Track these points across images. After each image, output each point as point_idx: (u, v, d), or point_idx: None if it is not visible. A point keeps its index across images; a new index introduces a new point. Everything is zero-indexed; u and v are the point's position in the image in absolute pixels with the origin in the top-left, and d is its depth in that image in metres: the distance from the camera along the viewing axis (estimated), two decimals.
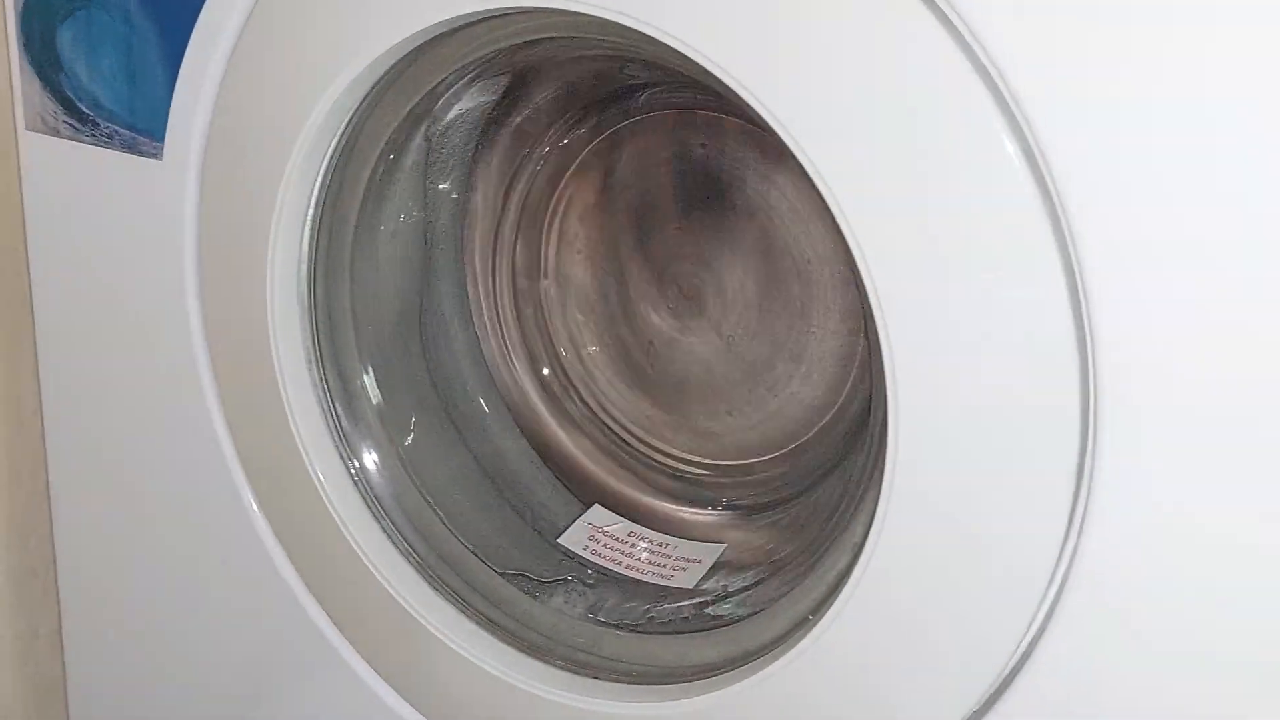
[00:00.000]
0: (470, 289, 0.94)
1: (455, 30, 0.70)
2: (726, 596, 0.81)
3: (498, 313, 0.95)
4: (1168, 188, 0.51)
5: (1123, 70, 0.50)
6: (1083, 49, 0.51)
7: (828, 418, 0.87)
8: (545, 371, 0.96)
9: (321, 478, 0.81)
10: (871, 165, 0.57)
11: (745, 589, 0.81)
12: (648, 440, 0.95)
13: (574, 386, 0.96)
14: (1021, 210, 0.54)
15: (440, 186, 0.88)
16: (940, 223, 0.56)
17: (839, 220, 0.58)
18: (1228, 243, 0.50)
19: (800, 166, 0.58)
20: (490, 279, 0.94)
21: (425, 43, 0.71)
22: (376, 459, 0.85)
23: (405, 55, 0.71)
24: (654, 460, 0.94)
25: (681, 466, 0.94)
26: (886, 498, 0.61)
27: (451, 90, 0.81)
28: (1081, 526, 0.56)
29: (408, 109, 0.77)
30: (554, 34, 0.71)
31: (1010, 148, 0.53)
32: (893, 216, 0.57)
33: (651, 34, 0.60)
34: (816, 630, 0.66)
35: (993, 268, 0.55)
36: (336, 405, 0.83)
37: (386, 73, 0.73)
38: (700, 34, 0.59)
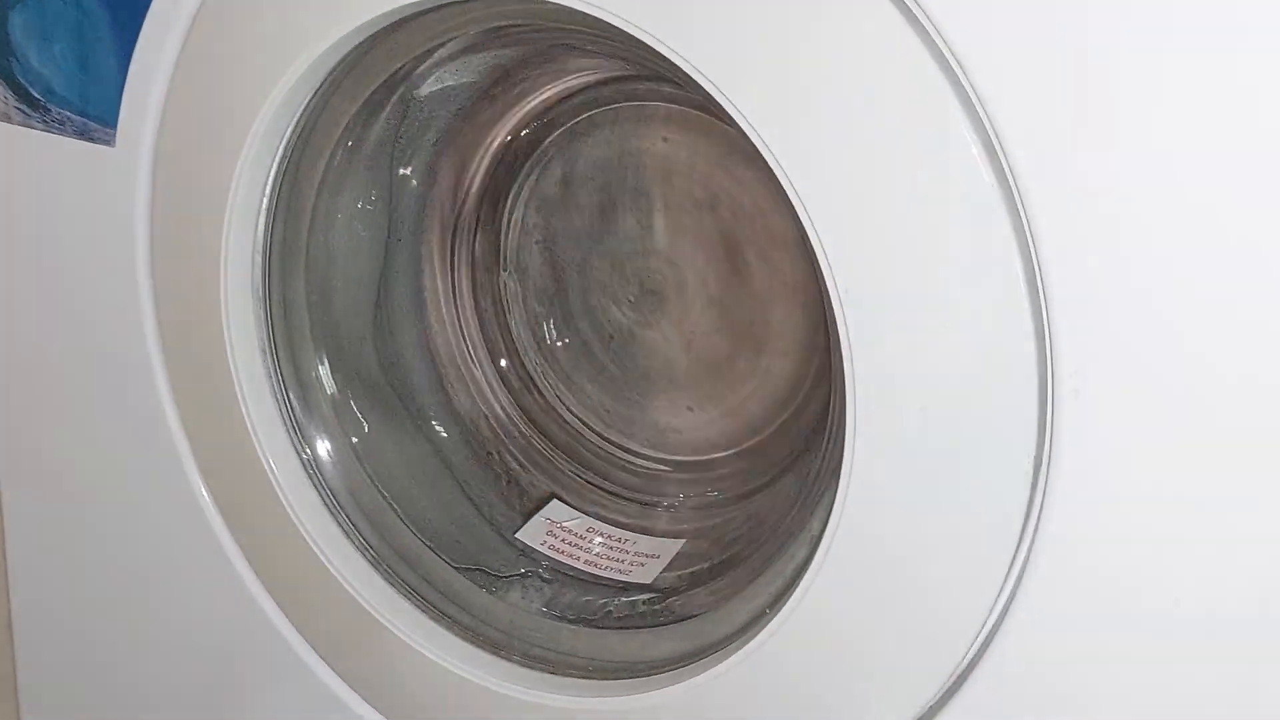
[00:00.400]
0: (428, 280, 0.93)
1: (413, 16, 0.69)
2: (684, 591, 0.80)
3: (456, 304, 0.94)
4: (1129, 187, 0.51)
5: (1085, 68, 0.50)
6: (1046, 47, 0.51)
7: (788, 413, 0.87)
8: (503, 363, 0.96)
9: (274, 469, 0.80)
10: (833, 161, 0.56)
11: (703, 584, 0.81)
12: (607, 435, 0.94)
13: (532, 380, 0.96)
14: (982, 208, 0.53)
15: (401, 175, 0.87)
16: (902, 220, 0.56)
17: (800, 214, 0.57)
18: (1188, 241, 0.50)
19: (764, 161, 0.58)
20: (449, 270, 0.93)
21: (383, 29, 0.70)
22: (331, 451, 0.84)
23: (361, 41, 0.70)
24: (613, 455, 0.94)
25: (641, 462, 0.93)
26: (844, 491, 0.60)
27: (409, 77, 0.80)
28: (1038, 521, 0.56)
29: (365, 96, 0.76)
30: (513, 20, 0.70)
31: (973, 145, 0.53)
32: (854, 212, 0.56)
33: (619, 25, 0.59)
34: (774, 624, 0.65)
35: (953, 263, 0.55)
36: (290, 395, 0.81)
37: (343, 59, 0.72)
38: (665, 26, 0.58)
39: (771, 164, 0.57)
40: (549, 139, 0.89)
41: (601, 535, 0.87)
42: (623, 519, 0.90)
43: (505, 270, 0.94)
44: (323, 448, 0.83)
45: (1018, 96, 0.52)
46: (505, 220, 0.93)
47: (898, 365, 0.58)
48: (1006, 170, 0.52)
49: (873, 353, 0.58)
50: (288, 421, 0.81)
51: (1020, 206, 0.52)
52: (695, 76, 0.58)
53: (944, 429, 0.57)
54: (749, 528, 0.84)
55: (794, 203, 0.57)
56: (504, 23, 0.71)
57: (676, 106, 0.84)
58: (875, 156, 0.55)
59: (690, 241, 0.87)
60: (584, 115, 0.87)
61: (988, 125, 0.52)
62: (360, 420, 0.86)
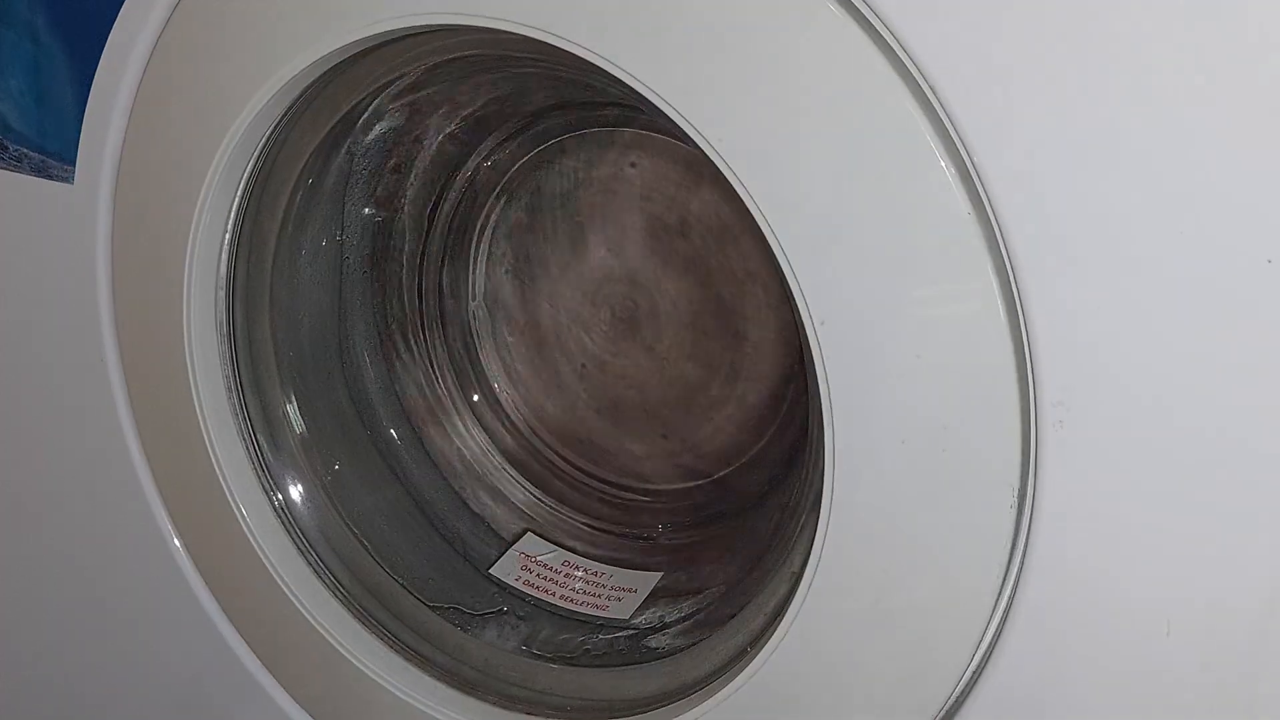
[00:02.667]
0: (395, 313, 0.91)
1: (372, 50, 0.68)
2: (663, 628, 0.79)
3: (425, 337, 0.92)
4: (1111, 213, 0.50)
5: (1062, 90, 0.49)
6: (1020, 70, 0.50)
7: (764, 441, 0.85)
8: (475, 397, 0.94)
9: (243, 510, 0.78)
10: (806, 190, 0.55)
11: (682, 620, 0.79)
12: (580, 465, 0.93)
13: (504, 412, 0.94)
14: (959, 237, 0.52)
15: (364, 211, 0.86)
16: (877, 249, 0.54)
17: (772, 244, 0.56)
18: (1174, 268, 0.49)
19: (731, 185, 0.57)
20: (417, 301, 0.92)
21: (342, 62, 0.68)
22: (301, 490, 0.82)
23: (321, 76, 0.69)
24: (587, 486, 0.93)
25: (616, 492, 0.92)
26: (824, 526, 0.59)
27: (370, 110, 0.78)
28: (1024, 554, 0.55)
29: (326, 130, 0.75)
30: (472, 51, 0.69)
31: (948, 172, 0.52)
32: (828, 242, 0.55)
33: (576, 53, 0.58)
34: (755, 662, 0.64)
35: (930, 293, 0.54)
36: (258, 435, 0.80)
37: (303, 93, 0.71)
38: (629, 55, 0.57)
39: (741, 194, 0.56)
40: (515, 167, 0.88)
41: (578, 569, 0.86)
42: (599, 552, 0.89)
43: (474, 300, 0.93)
44: (293, 487, 0.82)
45: (992, 121, 0.51)
46: (473, 251, 0.91)
47: (876, 398, 0.57)
48: (983, 197, 0.51)
49: (850, 385, 0.57)
50: (256, 461, 0.80)
51: (998, 234, 0.52)
52: (661, 105, 0.57)
53: (925, 462, 0.56)
54: (727, 560, 0.83)
55: (765, 233, 0.56)
56: (463, 54, 0.70)
57: (643, 132, 0.83)
58: (849, 185, 0.54)
59: (661, 268, 0.86)
60: (551, 142, 0.86)
61: (962, 151, 0.51)
62: (330, 458, 0.85)
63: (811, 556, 0.60)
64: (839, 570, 0.60)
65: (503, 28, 0.59)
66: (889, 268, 0.54)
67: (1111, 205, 0.49)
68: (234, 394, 0.79)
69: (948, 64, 0.51)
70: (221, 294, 0.77)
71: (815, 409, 0.58)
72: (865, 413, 0.57)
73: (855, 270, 0.55)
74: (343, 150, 0.80)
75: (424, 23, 0.62)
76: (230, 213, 0.75)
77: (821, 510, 0.59)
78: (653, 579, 0.84)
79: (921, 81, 0.51)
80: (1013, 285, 0.52)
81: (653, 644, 0.78)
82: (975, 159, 0.51)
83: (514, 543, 0.88)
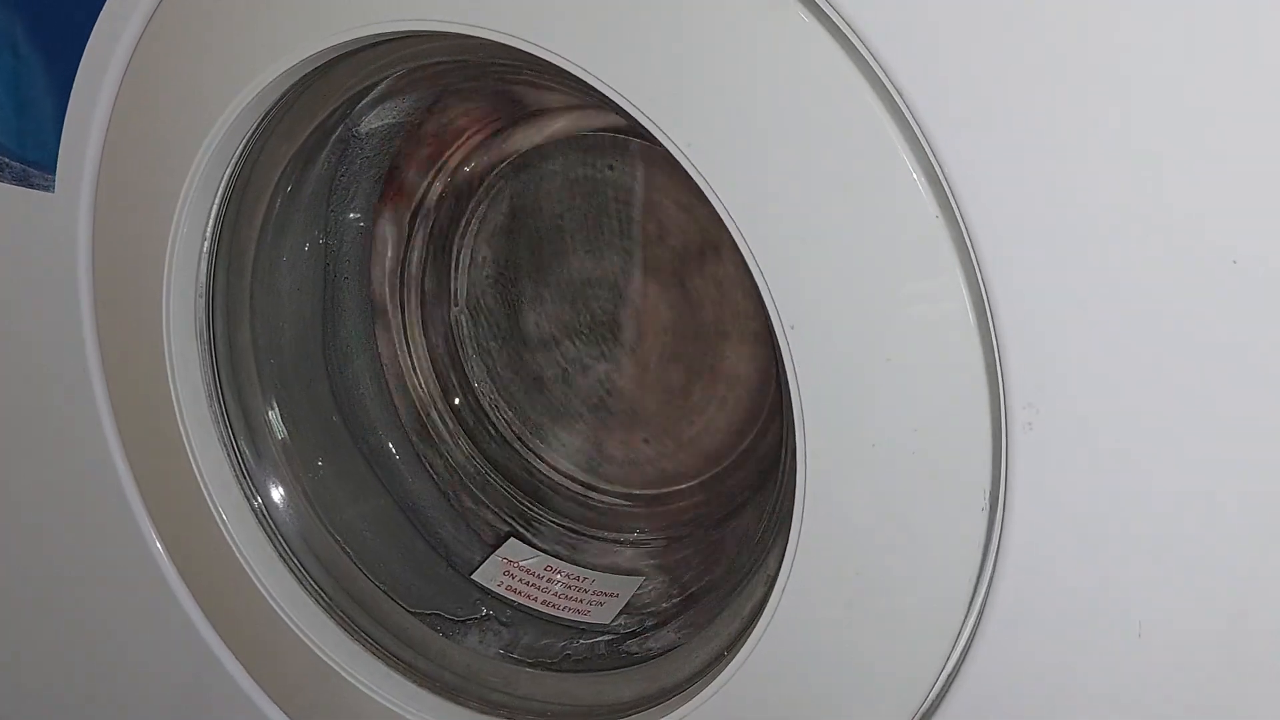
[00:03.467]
0: (377, 318, 0.91)
1: (347, 55, 0.68)
2: (643, 632, 0.79)
3: (407, 343, 0.92)
4: (1079, 214, 0.49)
5: (1028, 90, 0.49)
6: (986, 71, 0.49)
7: (745, 444, 0.85)
8: (457, 401, 0.94)
9: (224, 516, 0.78)
10: (774, 195, 0.55)
11: (662, 624, 0.79)
12: (563, 469, 0.93)
13: (487, 416, 0.94)
14: (927, 239, 0.52)
15: (345, 216, 0.86)
16: (845, 253, 0.54)
17: (742, 249, 0.56)
18: (1143, 268, 0.49)
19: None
20: (398, 308, 0.92)
21: (319, 68, 0.69)
22: (283, 495, 0.82)
23: (298, 81, 0.69)
24: (570, 490, 0.93)
25: (598, 496, 0.92)
26: (798, 528, 0.59)
27: (349, 116, 0.78)
28: (996, 556, 0.55)
29: (304, 136, 0.75)
30: (449, 57, 0.69)
31: (914, 173, 0.52)
32: (796, 246, 0.55)
33: (548, 59, 0.58)
34: (733, 665, 0.64)
35: (898, 296, 0.54)
36: (239, 441, 0.80)
37: (281, 98, 0.71)
38: (599, 61, 0.57)
39: (711, 199, 0.56)
40: (495, 171, 0.88)
41: (560, 574, 0.86)
42: (580, 556, 0.89)
43: (456, 305, 0.93)
44: (274, 493, 0.82)
45: (959, 123, 0.51)
46: (454, 255, 0.91)
47: (846, 401, 0.57)
48: (951, 200, 0.51)
49: (820, 388, 0.57)
50: (237, 467, 0.80)
51: (966, 237, 0.51)
52: (631, 110, 0.57)
53: (896, 465, 0.56)
54: (708, 564, 0.83)
55: (735, 237, 0.56)
56: (439, 59, 0.70)
57: (622, 135, 0.83)
58: (817, 188, 0.54)
59: (641, 271, 0.86)
60: (529, 147, 0.86)
61: (929, 154, 0.51)
62: (312, 464, 0.85)
63: (785, 560, 0.60)
64: (812, 573, 0.60)
65: (475, 34, 0.59)
66: (858, 271, 0.54)
67: (1080, 207, 0.49)
68: (215, 401, 0.79)
69: (914, 66, 0.51)
70: (201, 301, 0.77)
71: (787, 412, 0.58)
72: (836, 416, 0.57)
73: (824, 274, 0.55)
74: (320, 157, 0.80)
75: (394, 29, 0.62)
76: (209, 220, 0.75)
77: (795, 513, 0.59)
78: (634, 583, 0.84)
79: (888, 84, 0.51)
80: (981, 288, 0.52)
81: (632, 648, 0.78)
82: (942, 161, 0.51)
83: (496, 548, 0.88)
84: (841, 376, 0.56)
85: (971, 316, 0.53)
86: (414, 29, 0.62)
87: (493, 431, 0.94)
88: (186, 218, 0.73)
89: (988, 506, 0.55)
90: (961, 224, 0.51)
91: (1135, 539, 0.53)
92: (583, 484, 0.93)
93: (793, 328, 0.56)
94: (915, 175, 0.52)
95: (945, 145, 0.51)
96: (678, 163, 0.57)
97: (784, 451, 0.68)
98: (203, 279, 0.76)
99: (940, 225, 0.52)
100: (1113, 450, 0.52)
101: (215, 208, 0.74)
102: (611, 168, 0.84)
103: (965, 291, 0.52)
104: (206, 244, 0.75)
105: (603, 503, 0.92)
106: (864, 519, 0.58)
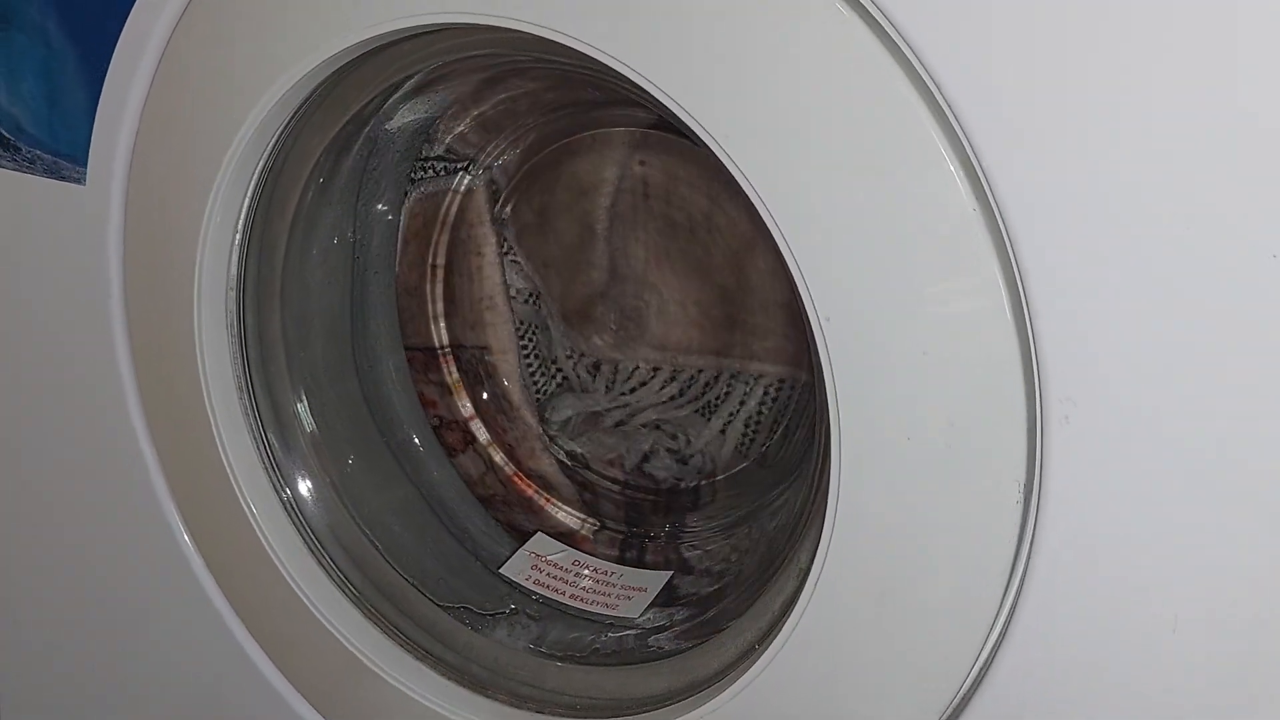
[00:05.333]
0: (404, 312, 0.91)
1: (381, 48, 0.68)
2: (672, 626, 0.79)
3: (435, 337, 0.92)
4: (1118, 204, 0.49)
5: (1063, 77, 0.49)
6: (1021, 58, 0.49)
7: (775, 438, 0.85)
8: (485, 397, 0.94)
9: (253, 508, 0.78)
10: (810, 187, 0.55)
11: (693, 619, 0.79)
12: (591, 464, 0.93)
13: (515, 410, 0.94)
14: (964, 230, 0.52)
15: (376, 208, 0.86)
16: (882, 244, 0.54)
17: (779, 241, 0.56)
18: (1182, 259, 0.49)
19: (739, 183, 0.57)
20: (428, 301, 0.92)
21: (351, 62, 0.69)
22: (311, 488, 0.82)
23: (331, 74, 0.69)
24: (598, 486, 0.92)
25: (626, 491, 0.92)
26: (831, 522, 0.59)
27: (382, 109, 0.79)
28: (1030, 550, 0.55)
29: (337, 128, 0.75)
30: (483, 51, 0.69)
31: (951, 164, 0.52)
32: (833, 238, 0.55)
33: (587, 52, 0.58)
34: (763, 659, 0.64)
35: (936, 288, 0.54)
36: (268, 433, 0.80)
37: (313, 92, 0.71)
38: (636, 54, 0.57)
39: (748, 190, 0.56)
40: (526, 167, 0.88)
41: (588, 568, 0.86)
42: (608, 551, 0.89)
43: (483, 300, 0.93)
44: (303, 486, 0.82)
45: (995, 111, 0.50)
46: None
47: (881, 394, 0.56)
48: (987, 190, 0.51)
49: (856, 381, 0.56)
50: (266, 459, 0.80)
51: (1003, 228, 0.51)
52: (666, 102, 0.57)
53: (931, 458, 0.56)
54: (737, 559, 0.83)
55: (772, 230, 0.56)
56: (473, 53, 0.70)
57: (652, 131, 0.83)
58: (853, 181, 0.54)
59: (670, 265, 0.86)
60: (560, 142, 0.86)
61: (967, 147, 0.51)
62: (340, 457, 0.85)
63: (818, 553, 0.60)
64: (845, 566, 0.60)
65: (514, 27, 0.59)
66: (895, 264, 0.54)
67: (1118, 200, 0.49)
68: (245, 393, 0.79)
69: (953, 60, 0.51)
70: (232, 293, 0.77)
71: (821, 405, 0.58)
72: (871, 409, 0.57)
73: (861, 267, 0.55)
74: (352, 151, 0.81)
75: (433, 22, 0.62)
76: (241, 212, 0.75)
77: (828, 506, 0.59)
78: (662, 578, 0.84)
79: (926, 78, 0.51)
80: (1018, 280, 0.51)
81: (663, 642, 0.77)
82: (980, 154, 0.51)
83: (524, 542, 0.88)
84: (877, 369, 0.56)
85: (1008, 309, 0.52)
86: (450, 23, 0.62)
87: (520, 425, 0.94)
88: (219, 210, 0.74)
89: (1023, 500, 0.54)
90: (999, 217, 0.51)
91: (1172, 533, 0.53)
92: (609, 478, 0.92)
93: (828, 319, 0.56)
94: (952, 168, 0.52)
95: (983, 137, 0.51)
96: (710, 158, 0.57)
97: (816, 445, 0.67)
98: (234, 271, 0.76)
99: (977, 218, 0.52)
100: (1150, 444, 0.52)
101: (247, 200, 0.75)
102: (643, 163, 0.84)
103: (1002, 284, 0.52)
104: (238, 236, 0.76)
105: (630, 497, 0.92)
106: (898, 512, 0.58)
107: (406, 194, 0.87)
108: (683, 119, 0.56)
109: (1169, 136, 0.48)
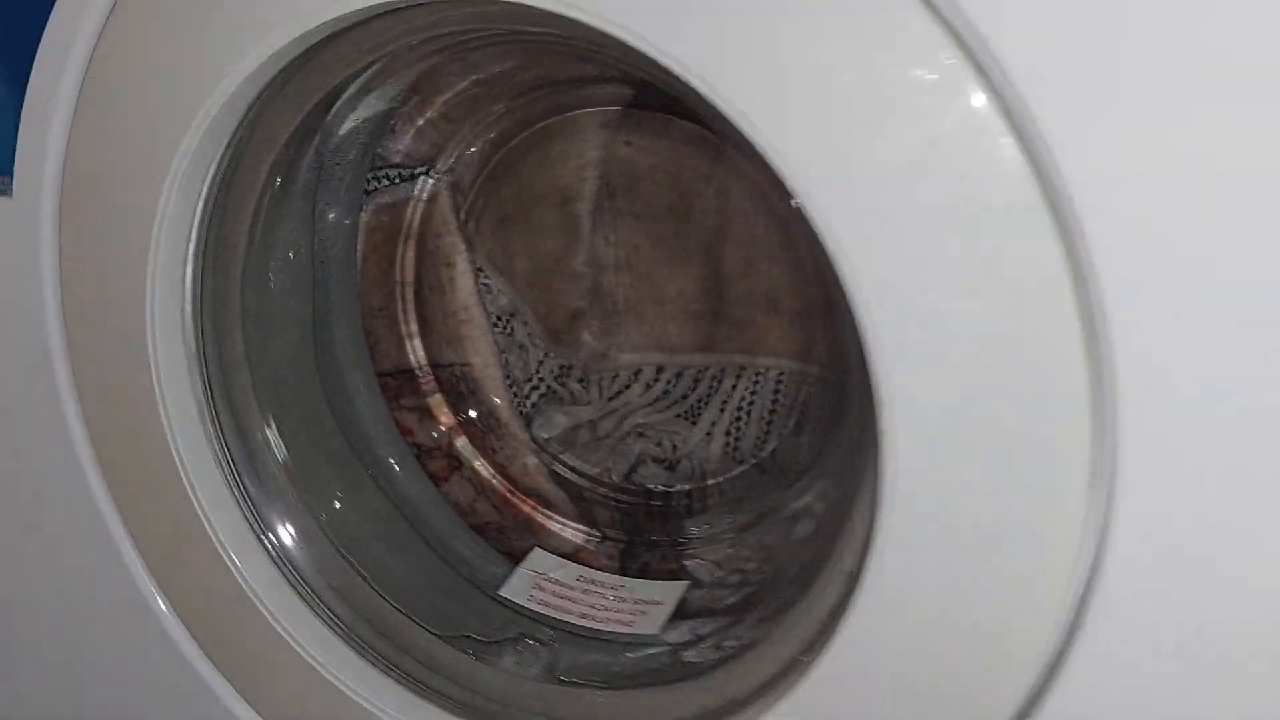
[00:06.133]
0: (372, 335, 0.85)
1: (341, 32, 0.62)
2: (700, 640, 0.74)
3: (411, 357, 0.86)
4: (1190, 187, 0.45)
5: (1131, 53, 0.45)
6: (1087, 34, 0.45)
7: (786, 431, 0.80)
8: (472, 415, 0.88)
9: (226, 545, 0.72)
10: (855, 174, 0.50)
11: (718, 631, 0.74)
12: (584, 470, 0.87)
13: (498, 421, 0.88)
14: (1024, 216, 0.48)
15: (331, 216, 0.79)
16: (933, 234, 0.49)
17: (815, 220, 0.51)
18: (1242, 246, 0.46)
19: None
20: (399, 321, 0.85)
21: (308, 49, 0.62)
22: (290, 524, 0.76)
23: (285, 65, 0.63)
24: (594, 494, 0.87)
25: (624, 497, 0.86)
26: (884, 524, 0.54)
27: (343, 100, 0.72)
28: (1103, 540, 0.51)
29: (294, 124, 0.69)
30: (457, 27, 0.63)
31: (1008, 145, 0.47)
32: (879, 229, 0.50)
33: (618, 35, 0.52)
34: (813, 673, 0.59)
35: (994, 277, 0.49)
36: (237, 464, 0.73)
37: (267, 85, 0.65)
38: (664, 33, 0.51)
39: (788, 180, 0.51)
40: (498, 156, 0.82)
41: (595, 583, 0.80)
42: (613, 563, 0.83)
43: (458, 304, 0.86)
44: (278, 518, 0.75)
45: (1056, 88, 0.46)
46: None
47: (935, 391, 0.51)
48: (1051, 172, 0.47)
49: (906, 379, 0.51)
50: (238, 493, 0.73)
51: (1067, 212, 0.47)
52: (700, 87, 0.51)
53: (992, 447, 0.51)
54: (760, 564, 0.78)
55: (812, 215, 0.51)
56: (445, 30, 0.64)
57: (636, 110, 0.77)
58: (903, 167, 0.49)
59: (665, 253, 0.81)
60: (536, 126, 0.80)
61: (1024, 120, 0.47)
62: (316, 483, 0.78)
63: (870, 554, 0.55)
64: (899, 568, 0.55)
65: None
66: (949, 259, 0.49)
67: (1192, 187, 0.45)
68: (208, 420, 0.72)
69: (1007, 27, 0.46)
70: (189, 308, 0.70)
71: (862, 400, 0.53)
72: (924, 407, 0.52)
73: (911, 262, 0.50)
74: (312, 146, 0.74)
75: None
76: (194, 220, 0.68)
77: (880, 508, 0.54)
78: (679, 588, 0.78)
79: (980, 49, 0.47)
80: (1085, 268, 0.47)
81: (690, 659, 0.72)
82: (1042, 133, 0.46)
83: (521, 560, 0.82)
84: (928, 365, 0.51)
85: (1071, 288, 0.48)
86: None
87: (506, 436, 0.88)
88: (169, 219, 0.67)
89: (1094, 493, 0.50)
90: (1061, 196, 0.47)
91: (1246, 525, 0.49)
92: (604, 483, 0.87)
93: (872, 310, 0.51)
94: (1006, 144, 0.47)
95: (1040, 107, 0.46)
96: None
97: (852, 436, 0.63)
98: (189, 284, 0.70)
99: (1038, 199, 0.47)
100: (1220, 434, 0.48)
101: (201, 206, 0.68)
102: (629, 144, 0.78)
103: (1065, 270, 0.48)
104: (193, 245, 0.69)
105: (629, 503, 0.86)
106: (957, 505, 0.53)
107: (363, 207, 0.80)
108: (726, 112, 0.51)
109: (1243, 135, 0.44)
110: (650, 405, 0.85)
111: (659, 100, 0.75)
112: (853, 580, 0.57)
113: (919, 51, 0.48)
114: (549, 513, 0.86)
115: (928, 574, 0.55)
